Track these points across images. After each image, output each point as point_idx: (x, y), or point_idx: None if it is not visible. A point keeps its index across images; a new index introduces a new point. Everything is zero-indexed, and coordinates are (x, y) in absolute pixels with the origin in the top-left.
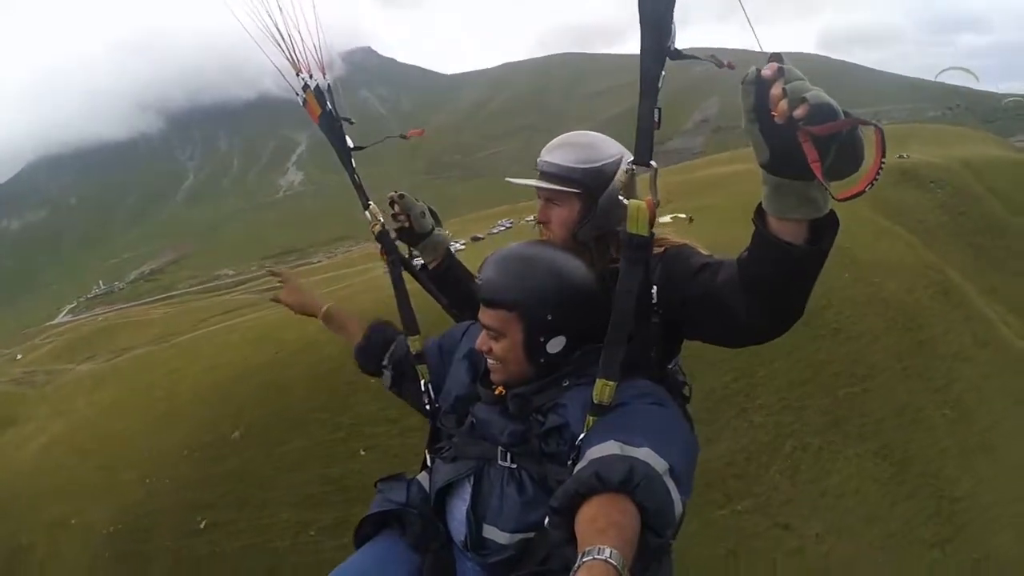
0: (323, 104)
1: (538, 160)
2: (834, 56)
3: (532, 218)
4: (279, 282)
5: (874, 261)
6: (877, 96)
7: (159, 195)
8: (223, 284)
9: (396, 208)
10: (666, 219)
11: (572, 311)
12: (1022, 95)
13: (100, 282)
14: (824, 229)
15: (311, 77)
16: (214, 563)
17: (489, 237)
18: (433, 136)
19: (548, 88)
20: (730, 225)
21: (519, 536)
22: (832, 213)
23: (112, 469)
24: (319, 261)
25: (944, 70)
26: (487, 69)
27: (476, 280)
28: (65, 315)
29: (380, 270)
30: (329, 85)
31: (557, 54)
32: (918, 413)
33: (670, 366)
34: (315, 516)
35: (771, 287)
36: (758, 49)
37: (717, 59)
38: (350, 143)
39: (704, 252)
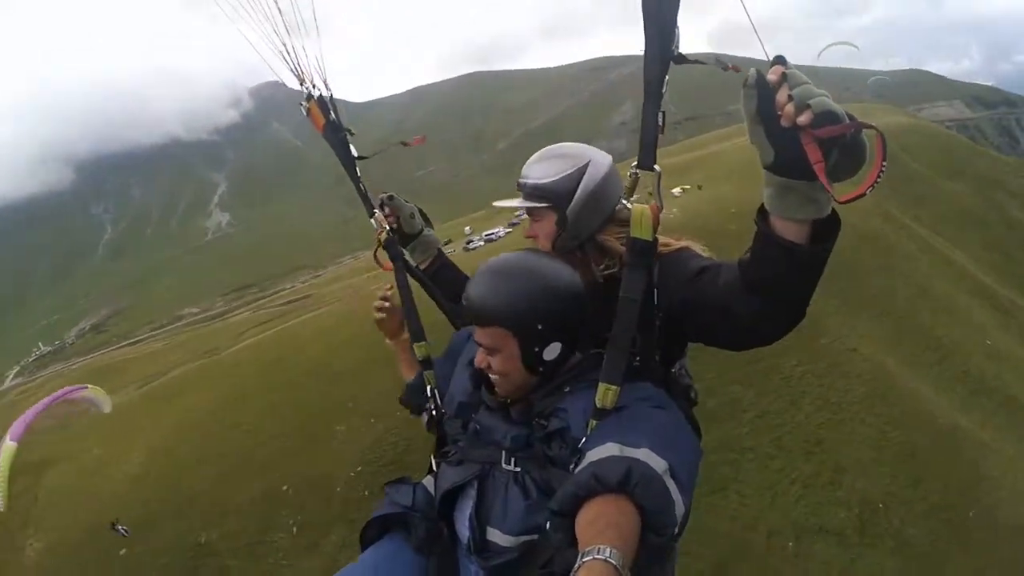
0: (327, 114)
1: (518, 180)
2: (729, 52)
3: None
4: (386, 307)
5: None
6: None
7: (78, 252)
8: (195, 321)
9: (386, 210)
10: (676, 191)
11: (560, 317)
12: (885, 73)
13: (40, 344)
14: (827, 229)
15: (314, 87)
16: None
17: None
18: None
19: (464, 107)
20: (739, 186)
21: (522, 539)
22: (834, 214)
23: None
24: (295, 286)
25: (825, 47)
26: (398, 94)
27: (463, 303)
28: (14, 379)
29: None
30: (332, 95)
31: (466, 74)
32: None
33: (674, 369)
34: None
35: (774, 288)
36: (764, 58)
37: (722, 63)
38: (354, 152)
39: (704, 254)
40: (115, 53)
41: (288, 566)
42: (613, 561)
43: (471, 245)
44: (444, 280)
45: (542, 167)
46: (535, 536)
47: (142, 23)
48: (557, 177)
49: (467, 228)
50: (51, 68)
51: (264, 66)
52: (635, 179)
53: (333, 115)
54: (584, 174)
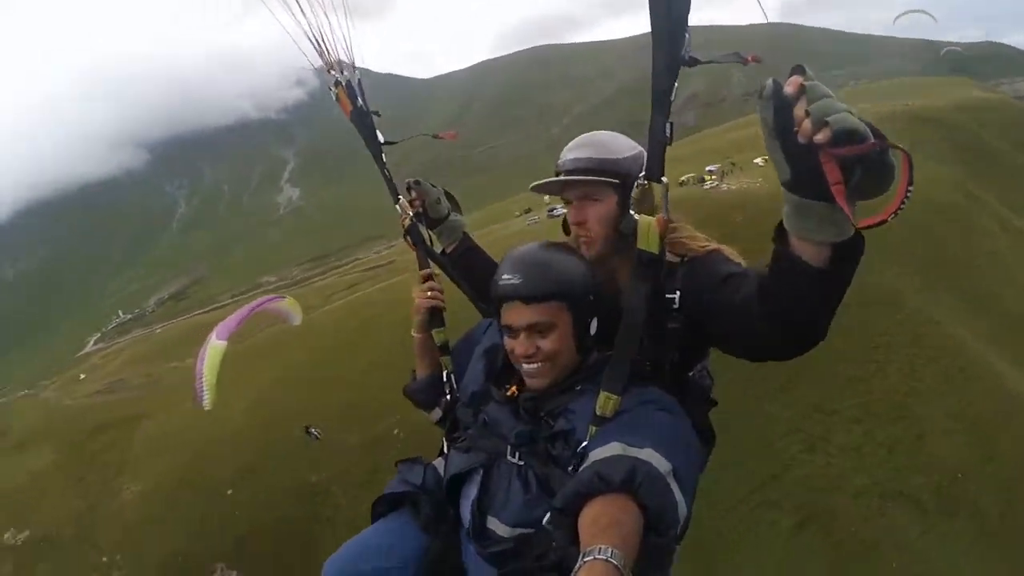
0: (354, 100)
1: (559, 162)
2: (796, 21)
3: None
4: (440, 295)
5: None
6: (852, 58)
7: (154, 228)
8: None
9: (412, 194)
10: (759, 160)
11: (598, 290)
12: (960, 44)
13: (120, 312)
14: (848, 253)
15: (342, 73)
16: None
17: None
18: (421, 138)
19: (530, 81)
20: None
21: (519, 531)
22: (858, 236)
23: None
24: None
25: (901, 14)
26: (462, 70)
27: (501, 283)
28: (94, 345)
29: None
30: (360, 80)
31: (529, 48)
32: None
33: (691, 373)
34: None
35: (789, 308)
36: (763, 21)
37: (741, 56)
38: (381, 138)
39: (735, 260)
40: (183, 38)
41: None
42: (614, 561)
43: (554, 213)
44: (469, 264)
45: (594, 149)
46: (531, 530)
47: (206, 6)
48: (621, 155)
49: (546, 197)
50: (123, 55)
51: (349, 31)
52: (642, 189)
53: (360, 101)
54: (643, 160)
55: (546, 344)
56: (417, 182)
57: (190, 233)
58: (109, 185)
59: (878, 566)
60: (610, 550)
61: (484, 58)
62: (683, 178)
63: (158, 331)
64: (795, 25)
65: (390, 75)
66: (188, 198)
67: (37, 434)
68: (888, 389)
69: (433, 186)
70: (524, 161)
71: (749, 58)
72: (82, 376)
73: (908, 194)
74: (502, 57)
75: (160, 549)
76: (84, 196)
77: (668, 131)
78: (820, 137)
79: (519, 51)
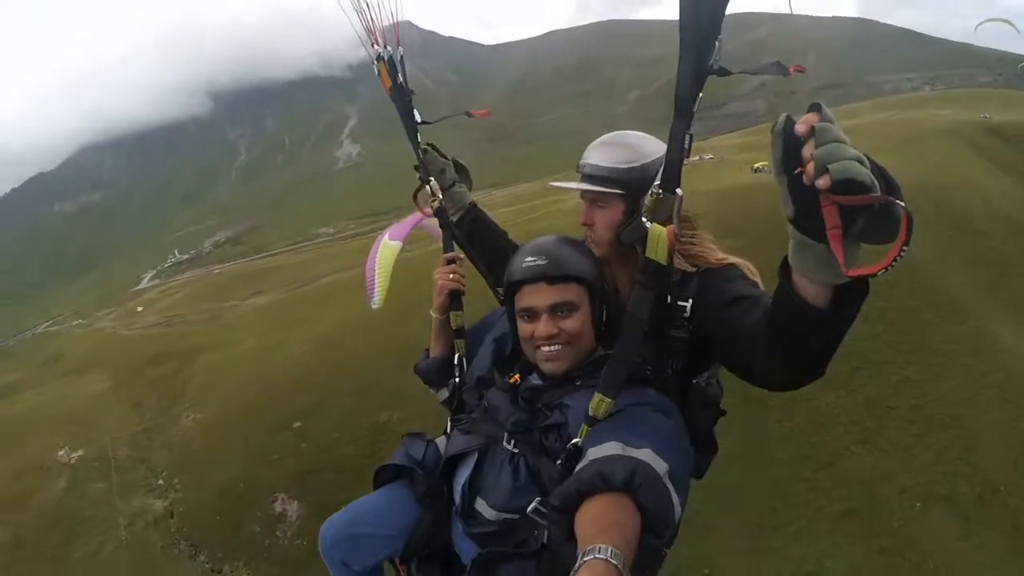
0: (394, 76)
1: (580, 162)
2: (872, 17)
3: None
4: (463, 278)
5: None
6: (931, 61)
7: (213, 173)
8: (330, 241)
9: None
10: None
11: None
12: None
13: (176, 251)
14: (849, 297)
15: (385, 47)
16: None
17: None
18: (485, 105)
19: (597, 55)
20: (903, 160)
21: (504, 516)
22: (859, 281)
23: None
24: None
25: (983, 21)
26: (529, 39)
27: (524, 266)
28: (150, 281)
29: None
30: (402, 57)
31: (600, 21)
32: None
33: (697, 380)
34: None
35: (787, 343)
36: (794, 11)
37: (782, 67)
38: (418, 117)
39: (752, 277)
40: None
41: None
42: (614, 561)
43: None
44: (475, 233)
45: (614, 152)
46: (516, 516)
47: None
48: (633, 164)
49: None
50: (195, 6)
51: (396, 6)
52: (656, 198)
53: (401, 78)
54: (660, 167)
55: (568, 324)
56: (425, 150)
57: (249, 181)
58: (173, 130)
59: (917, 564)
60: (610, 550)
61: (550, 29)
62: (757, 165)
63: (216, 272)
64: (875, 22)
65: (455, 38)
66: (249, 147)
67: (92, 361)
68: (943, 395)
69: (444, 156)
70: (582, 136)
71: (791, 69)
72: (139, 309)
73: (902, 253)
74: (570, 29)
75: (220, 475)
76: (147, 139)
77: (687, 142)
78: (821, 183)
79: (588, 23)
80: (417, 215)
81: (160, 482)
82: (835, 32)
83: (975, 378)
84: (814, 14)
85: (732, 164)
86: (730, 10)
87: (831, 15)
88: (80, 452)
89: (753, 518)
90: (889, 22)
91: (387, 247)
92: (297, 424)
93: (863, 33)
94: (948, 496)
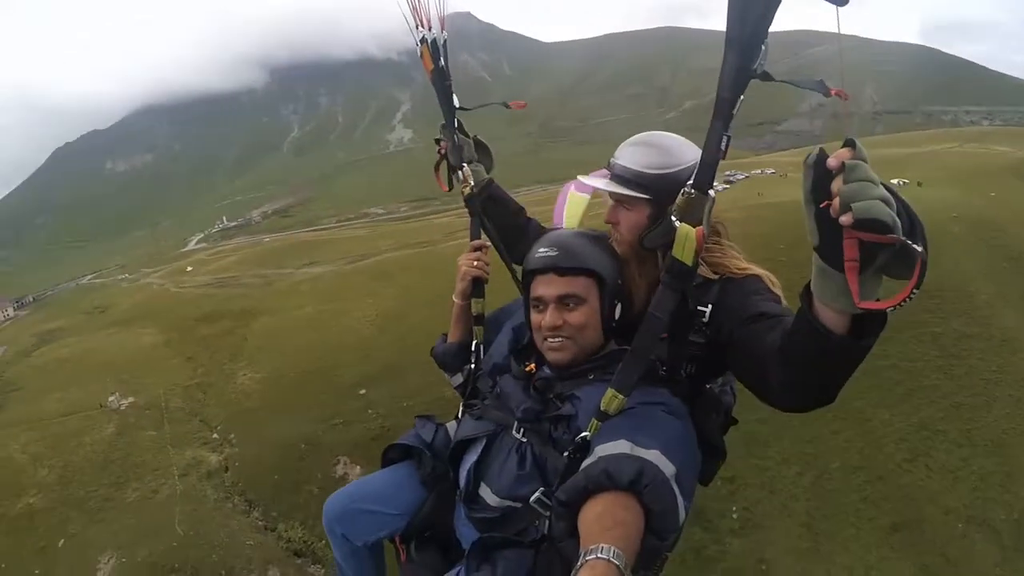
0: (436, 59)
1: (611, 160)
2: (934, 45)
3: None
4: (487, 265)
5: None
6: (990, 95)
7: (265, 145)
8: (381, 221)
9: (441, 140)
10: (894, 182)
11: (623, 280)
12: None
13: (224, 218)
14: (866, 327)
15: (429, 30)
16: None
17: None
18: (539, 102)
19: (653, 61)
20: (963, 191)
21: (506, 503)
22: (878, 313)
23: None
24: None
25: None
26: (586, 39)
27: (537, 256)
28: (196, 244)
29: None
30: (445, 41)
31: (659, 27)
32: None
33: (711, 386)
34: None
35: (801, 367)
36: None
37: (824, 86)
38: (456, 102)
39: (774, 290)
40: None
41: None
42: (616, 562)
43: None
44: (491, 209)
45: (647, 155)
46: (518, 505)
47: None
48: (664, 171)
49: None
50: None
51: None
52: (687, 198)
53: (442, 62)
54: (692, 175)
55: (573, 317)
56: (443, 125)
57: (300, 156)
58: (227, 100)
59: None
60: (612, 550)
61: (615, 30)
62: None
63: (266, 240)
64: (938, 51)
65: (513, 33)
66: (302, 123)
67: (141, 313)
68: (991, 423)
69: (466, 135)
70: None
71: (832, 91)
72: (188, 268)
73: (913, 294)
74: (630, 32)
75: (280, 434)
76: (201, 106)
77: (724, 144)
78: (844, 219)
79: (648, 28)
80: (578, 182)
81: (215, 436)
82: (897, 57)
83: (1022, 409)
84: (877, 38)
85: (794, 182)
86: (792, 26)
87: (895, 39)
88: (131, 399)
89: (807, 520)
90: (952, 52)
91: (577, 197)
92: (363, 391)
93: (926, 61)
94: (988, 521)
